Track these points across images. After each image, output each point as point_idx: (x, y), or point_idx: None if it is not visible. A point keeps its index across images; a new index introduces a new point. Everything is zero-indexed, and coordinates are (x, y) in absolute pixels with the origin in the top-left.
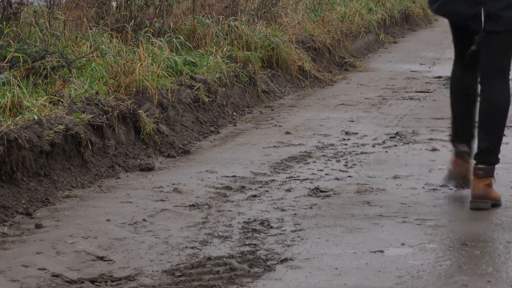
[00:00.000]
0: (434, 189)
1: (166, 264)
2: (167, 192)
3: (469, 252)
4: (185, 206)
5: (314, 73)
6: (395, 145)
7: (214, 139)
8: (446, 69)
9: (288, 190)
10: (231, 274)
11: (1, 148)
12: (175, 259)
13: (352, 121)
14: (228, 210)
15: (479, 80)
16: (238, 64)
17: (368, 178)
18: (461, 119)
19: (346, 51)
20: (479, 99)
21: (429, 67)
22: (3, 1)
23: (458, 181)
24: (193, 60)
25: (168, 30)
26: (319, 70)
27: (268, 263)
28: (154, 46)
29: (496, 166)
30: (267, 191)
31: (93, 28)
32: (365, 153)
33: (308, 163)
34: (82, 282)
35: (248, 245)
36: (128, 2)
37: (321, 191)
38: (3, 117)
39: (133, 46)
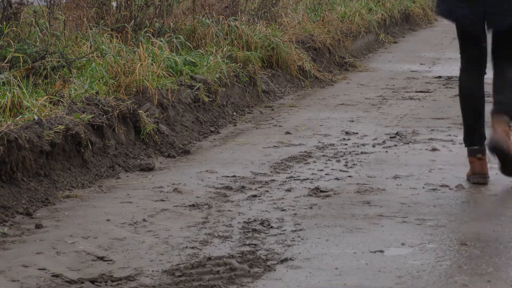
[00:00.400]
0: (434, 189)
1: (166, 264)
2: (167, 192)
3: (469, 252)
4: (185, 206)
5: (314, 73)
6: (395, 145)
7: (214, 139)
8: (446, 69)
9: (288, 190)
10: (231, 274)
11: (1, 148)
12: (175, 259)
13: (352, 121)
14: (228, 210)
15: (492, 62)
16: (238, 64)
17: (368, 178)
18: (472, 123)
19: (346, 51)
20: (492, 76)
21: (429, 67)
22: (3, 1)
23: (480, 178)
24: (193, 60)
25: (168, 30)
26: (319, 70)
27: (268, 263)
28: (154, 46)
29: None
30: (267, 191)
31: (93, 28)
32: (365, 153)
33: (308, 163)
34: (82, 282)
35: (248, 245)
36: (128, 2)
37: (321, 191)
38: (3, 117)
39: (133, 46)
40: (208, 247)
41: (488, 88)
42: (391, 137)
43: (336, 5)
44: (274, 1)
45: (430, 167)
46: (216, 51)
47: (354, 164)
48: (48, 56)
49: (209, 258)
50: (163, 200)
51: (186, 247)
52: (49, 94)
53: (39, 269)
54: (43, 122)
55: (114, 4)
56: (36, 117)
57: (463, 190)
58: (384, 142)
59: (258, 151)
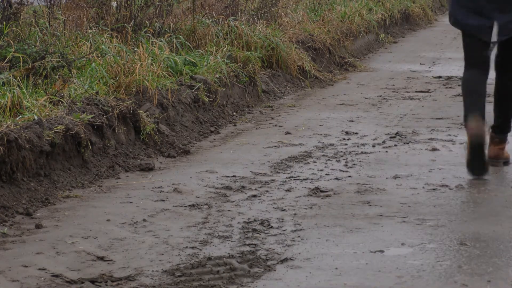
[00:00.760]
0: (434, 189)
1: (166, 264)
2: (167, 192)
3: (469, 252)
4: (185, 206)
5: (314, 73)
6: (395, 145)
7: (214, 139)
8: (446, 69)
9: (288, 190)
10: (231, 274)
11: (1, 148)
12: (175, 259)
13: (352, 121)
14: (228, 210)
15: (495, 70)
16: (238, 64)
17: (368, 178)
18: (474, 106)
19: (346, 51)
20: (494, 85)
21: (429, 67)
22: (3, 1)
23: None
24: (193, 60)
25: (168, 30)
26: (319, 70)
27: (268, 263)
28: (154, 46)
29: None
30: (267, 191)
31: (93, 28)
32: (365, 153)
33: (308, 163)
34: (82, 282)
35: (248, 245)
36: (128, 2)
37: (321, 191)
38: (3, 117)
39: (133, 46)
40: (208, 247)
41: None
42: (391, 137)
43: (336, 5)
44: (274, 1)
45: (430, 167)
46: (216, 51)
47: (354, 164)
48: (48, 56)
49: (209, 258)
50: (163, 200)
51: (186, 247)
52: (49, 94)
53: (39, 269)
54: (43, 122)
55: (114, 4)
56: (36, 117)
57: (463, 190)
58: (384, 142)
59: (258, 151)
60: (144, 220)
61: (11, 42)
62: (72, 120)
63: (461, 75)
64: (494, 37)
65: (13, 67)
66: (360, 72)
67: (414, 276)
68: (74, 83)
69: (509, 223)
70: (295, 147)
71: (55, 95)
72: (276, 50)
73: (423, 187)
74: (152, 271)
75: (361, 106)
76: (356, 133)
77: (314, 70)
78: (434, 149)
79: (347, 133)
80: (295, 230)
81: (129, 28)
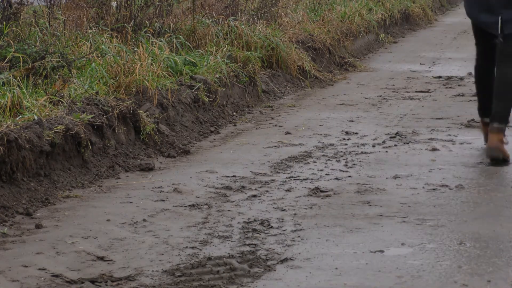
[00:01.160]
0: (434, 189)
1: (166, 264)
2: (167, 192)
3: (469, 252)
4: (185, 206)
5: (314, 73)
6: (395, 145)
7: (214, 139)
8: (446, 69)
9: (288, 190)
10: (231, 274)
11: (1, 148)
12: (175, 259)
13: (352, 121)
14: (228, 210)
15: (496, 63)
16: (238, 64)
17: (368, 178)
18: (486, 98)
19: (346, 51)
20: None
21: (429, 67)
22: (3, 1)
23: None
24: (193, 60)
25: (168, 30)
26: (319, 70)
27: (268, 263)
28: (154, 46)
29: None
30: (267, 191)
31: (93, 28)
32: (365, 153)
33: (308, 163)
34: (82, 282)
35: (248, 245)
36: (128, 2)
37: (321, 191)
38: (3, 117)
39: (133, 46)
40: (208, 247)
41: None
42: (391, 137)
43: (336, 5)
44: (274, 1)
45: (430, 167)
46: (216, 51)
47: (354, 164)
48: (48, 56)
49: (209, 258)
50: (163, 200)
51: (186, 247)
52: (49, 94)
53: (39, 269)
54: (43, 122)
55: (114, 4)
56: (36, 117)
57: (463, 190)
58: (384, 142)
59: (258, 151)
60: (144, 220)
61: (11, 42)
62: (72, 120)
63: (461, 75)
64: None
65: (13, 67)
66: (360, 72)
67: (414, 276)
68: (74, 83)
69: (509, 223)
70: (295, 147)
71: (55, 95)
72: (276, 50)
73: (423, 187)
74: (152, 271)
75: (361, 106)
76: (356, 133)
77: (314, 70)
78: (434, 149)
79: (347, 133)
80: (295, 230)
81: (129, 28)
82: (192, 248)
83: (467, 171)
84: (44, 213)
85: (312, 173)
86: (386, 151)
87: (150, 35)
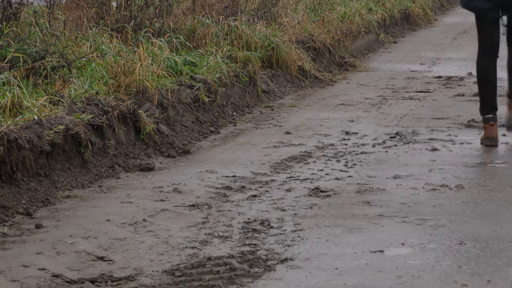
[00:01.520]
0: (434, 189)
1: (166, 264)
2: (167, 192)
3: (469, 252)
4: (185, 206)
5: (314, 73)
6: (395, 145)
7: (214, 139)
8: (446, 69)
9: (288, 190)
10: (231, 274)
11: (1, 148)
12: (175, 259)
13: (352, 121)
14: (228, 210)
15: (507, 45)
16: (238, 64)
17: (368, 178)
18: (489, 94)
19: (346, 51)
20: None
21: (429, 67)
22: (3, 1)
23: (492, 141)
24: (193, 60)
25: (168, 30)
26: (319, 70)
27: (268, 263)
28: (154, 46)
29: (499, 166)
30: (267, 191)
31: (93, 28)
32: (365, 153)
33: (308, 163)
34: (82, 282)
35: (248, 245)
36: (128, 2)
37: (321, 191)
38: (3, 117)
39: (133, 46)
40: (208, 247)
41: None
42: (391, 137)
43: (336, 5)
44: (274, 1)
45: (430, 167)
46: (216, 51)
47: (354, 164)
48: (48, 56)
49: (209, 258)
50: (163, 200)
51: (186, 247)
52: (49, 94)
53: (39, 269)
54: (43, 122)
55: (114, 4)
56: (36, 117)
57: (463, 190)
58: (384, 142)
59: (258, 151)
60: (144, 220)
61: (11, 42)
62: (72, 120)
63: (461, 75)
64: (505, 21)
65: (13, 67)
66: (360, 72)
67: (414, 276)
68: (74, 83)
69: (509, 223)
70: (295, 147)
71: (55, 95)
72: (276, 50)
73: (423, 187)
74: (152, 271)
75: (361, 106)
76: (356, 133)
77: (314, 70)
78: (434, 149)
79: (347, 133)
80: (295, 230)
81: (129, 28)
82: (192, 248)
83: (467, 171)
84: (44, 213)
85: (312, 173)
86: (386, 151)
87: (150, 35)
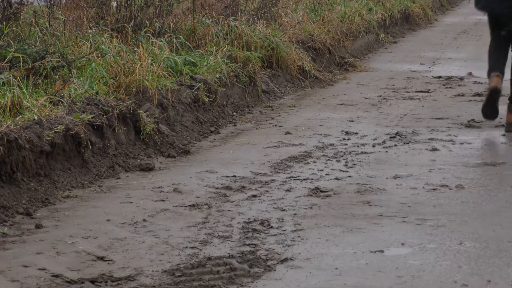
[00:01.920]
0: (434, 189)
1: (166, 264)
2: (167, 192)
3: (469, 252)
4: (185, 206)
5: (314, 73)
6: (395, 145)
7: (214, 139)
8: (446, 69)
9: (288, 190)
10: (231, 274)
11: (1, 148)
12: (175, 259)
13: (352, 121)
14: (228, 210)
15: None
16: (238, 64)
17: (368, 178)
18: (496, 62)
19: (346, 51)
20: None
21: (429, 67)
22: (3, 1)
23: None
24: (193, 60)
25: (168, 30)
26: (319, 70)
27: (268, 263)
28: (154, 46)
29: (499, 166)
30: (267, 191)
31: (93, 28)
32: (365, 153)
33: (308, 163)
34: (82, 282)
35: (248, 245)
36: (128, 2)
37: (321, 191)
38: (3, 117)
39: (133, 46)
40: (208, 247)
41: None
42: (391, 137)
43: (336, 5)
44: (274, 1)
45: (430, 167)
46: (216, 51)
47: (354, 164)
48: (48, 56)
49: (209, 258)
50: (163, 200)
51: (186, 247)
52: (49, 94)
53: (39, 269)
54: (43, 122)
55: (114, 4)
56: (36, 117)
57: (463, 190)
58: (384, 142)
59: (258, 151)
60: (144, 220)
61: (11, 42)
62: (72, 120)
63: (461, 75)
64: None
65: (13, 67)
66: (360, 72)
67: (414, 276)
68: (74, 83)
69: (509, 223)
70: (295, 147)
71: (55, 95)
72: (276, 50)
73: (423, 187)
74: (152, 271)
75: (361, 106)
76: (356, 133)
77: (314, 70)
78: (434, 149)
79: (347, 133)
80: (295, 230)
81: (129, 28)
82: (192, 248)
83: (467, 171)
84: (44, 213)
85: (312, 173)
86: (386, 151)
87: (150, 35)
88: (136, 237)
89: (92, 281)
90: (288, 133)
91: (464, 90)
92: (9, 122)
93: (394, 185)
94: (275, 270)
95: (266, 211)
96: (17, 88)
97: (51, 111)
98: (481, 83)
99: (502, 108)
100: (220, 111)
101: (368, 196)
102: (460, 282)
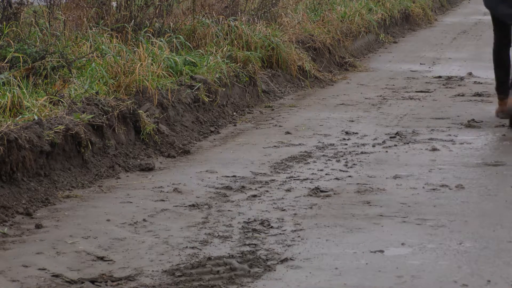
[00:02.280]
0: (434, 189)
1: (166, 264)
2: (167, 192)
3: (469, 252)
4: (185, 206)
5: (314, 73)
6: (395, 145)
7: (214, 139)
8: (446, 69)
9: (288, 190)
10: (231, 274)
11: (1, 148)
12: (175, 259)
13: (352, 121)
14: (228, 210)
15: None
16: (238, 64)
17: (368, 178)
18: (502, 78)
19: (346, 51)
20: None
21: (429, 67)
22: (3, 1)
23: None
24: (193, 60)
25: (168, 30)
26: (319, 70)
27: (268, 263)
28: (154, 46)
29: (500, 166)
30: (267, 191)
31: (93, 28)
32: (365, 153)
33: (308, 163)
34: (82, 282)
35: (248, 245)
36: (128, 2)
37: (321, 191)
38: (3, 117)
39: (133, 46)
40: (208, 247)
41: None
42: (391, 137)
43: (336, 5)
44: (274, 1)
45: (430, 167)
46: (216, 51)
47: (354, 164)
48: (48, 56)
49: (209, 258)
50: (163, 200)
51: (186, 247)
52: (49, 94)
53: (39, 269)
54: (43, 122)
55: (114, 4)
56: (36, 117)
57: (463, 190)
58: (384, 142)
59: (258, 151)
60: (144, 220)
61: (11, 42)
62: (72, 120)
63: (461, 75)
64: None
65: (13, 67)
66: (360, 72)
67: (414, 276)
68: (74, 83)
69: (509, 223)
70: (295, 147)
71: (55, 95)
72: (276, 50)
73: (423, 187)
74: (152, 271)
75: (361, 106)
76: (356, 133)
77: (314, 70)
78: (434, 149)
79: (347, 133)
80: (295, 230)
81: (129, 28)
82: (192, 248)
83: (467, 171)
84: (44, 213)
85: (312, 173)
86: (386, 151)
87: (150, 35)
88: (136, 237)
89: (92, 281)
90: (288, 133)
91: (464, 90)
92: (9, 122)
93: (394, 185)
94: (275, 270)
95: (266, 211)
96: (17, 88)
97: (51, 111)
98: (481, 83)
99: None
100: (220, 111)
101: (368, 196)
102: (460, 282)
